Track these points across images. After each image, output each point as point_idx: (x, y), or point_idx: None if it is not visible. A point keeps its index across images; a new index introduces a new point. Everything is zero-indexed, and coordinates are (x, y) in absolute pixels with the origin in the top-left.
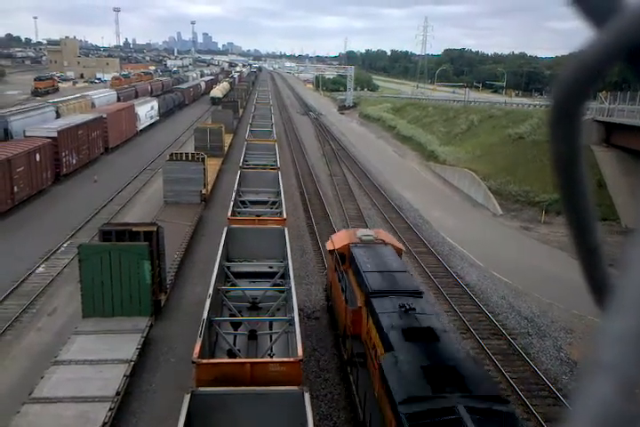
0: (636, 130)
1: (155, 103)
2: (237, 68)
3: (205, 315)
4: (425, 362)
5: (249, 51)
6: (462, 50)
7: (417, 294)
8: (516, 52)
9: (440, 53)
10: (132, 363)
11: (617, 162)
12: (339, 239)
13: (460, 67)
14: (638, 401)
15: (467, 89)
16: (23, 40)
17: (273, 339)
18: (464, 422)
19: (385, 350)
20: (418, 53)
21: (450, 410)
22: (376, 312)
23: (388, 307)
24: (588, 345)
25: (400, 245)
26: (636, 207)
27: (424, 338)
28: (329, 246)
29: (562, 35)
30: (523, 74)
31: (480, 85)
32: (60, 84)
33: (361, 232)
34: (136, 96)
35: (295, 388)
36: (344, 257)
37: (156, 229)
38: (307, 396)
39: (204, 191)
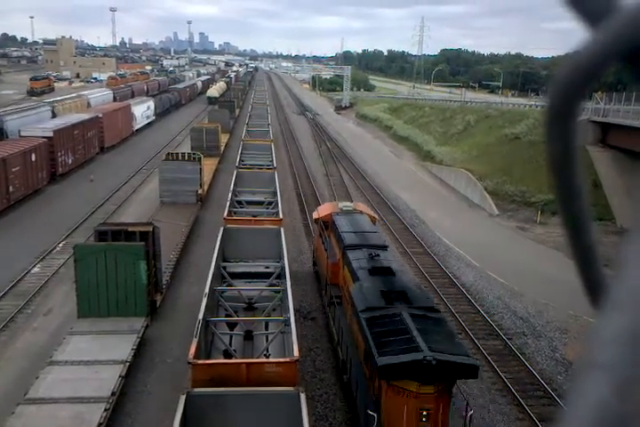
0: (632, 130)
1: (151, 103)
2: (234, 68)
3: (201, 315)
4: (382, 287)
5: (245, 51)
6: (459, 50)
7: (383, 247)
8: (513, 52)
9: (436, 53)
10: (128, 364)
11: (612, 162)
12: (323, 210)
13: (457, 67)
14: (633, 401)
15: (463, 89)
16: (19, 40)
17: (269, 339)
18: (406, 322)
19: (353, 282)
20: (414, 53)
21: (396, 315)
22: (349, 260)
23: (359, 256)
24: (584, 345)
25: (374, 215)
26: (632, 207)
27: (384, 273)
28: (315, 216)
29: (558, 35)
30: (519, 74)
31: (476, 86)
32: (55, 84)
33: (342, 204)
34: (132, 96)
35: (291, 388)
36: (327, 224)
37: (151, 230)
38: (302, 396)
39: (200, 191)
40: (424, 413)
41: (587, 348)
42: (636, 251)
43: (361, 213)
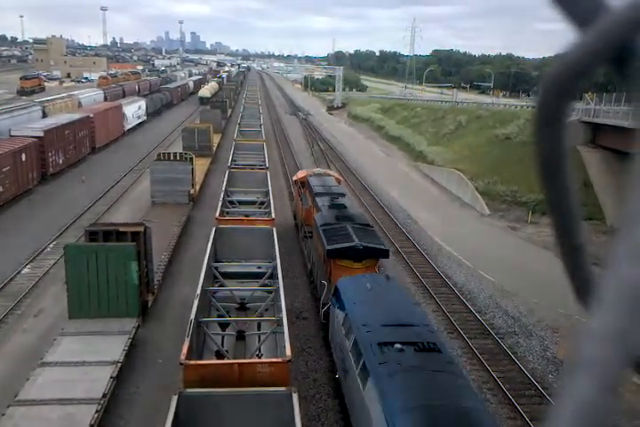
0: (622, 131)
1: (142, 103)
2: (226, 68)
3: (193, 316)
4: (337, 215)
5: (237, 50)
6: (450, 51)
7: (342, 194)
8: (504, 53)
9: (428, 54)
10: (119, 364)
11: (602, 162)
12: (301, 174)
13: (448, 67)
14: (618, 399)
15: (454, 90)
16: (9, 39)
17: (261, 339)
18: (348, 230)
19: (317, 212)
20: (406, 54)
21: (343, 227)
22: (317, 203)
23: (324, 200)
24: (573, 344)
25: (339, 177)
26: (621, 207)
27: (338, 207)
28: (294, 178)
29: (549, 36)
30: (510, 75)
31: (468, 86)
32: (46, 84)
33: (314, 169)
34: (123, 96)
35: (283, 388)
36: (303, 183)
37: (143, 230)
38: (295, 396)
39: (191, 191)
40: None
41: (575, 346)
42: (624, 249)
43: (328, 175)
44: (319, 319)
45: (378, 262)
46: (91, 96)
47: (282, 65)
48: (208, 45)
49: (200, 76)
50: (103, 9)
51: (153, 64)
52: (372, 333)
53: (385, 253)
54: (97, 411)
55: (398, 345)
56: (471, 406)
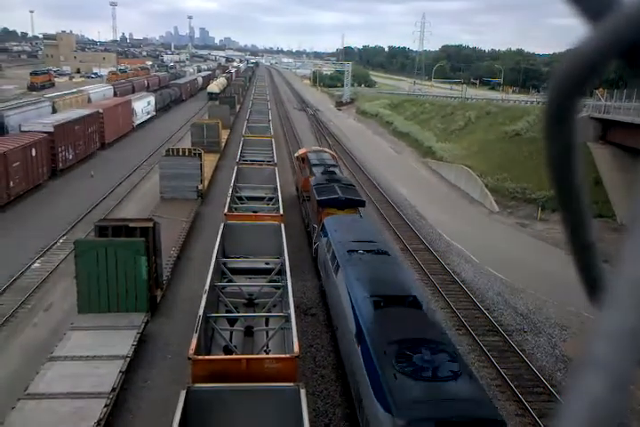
0: (632, 127)
1: (151, 98)
2: (234, 64)
3: (201, 311)
4: (328, 178)
5: (246, 46)
6: (459, 46)
7: (334, 165)
8: (514, 48)
9: (437, 49)
10: (128, 359)
11: (613, 159)
12: (302, 151)
13: (458, 63)
14: (627, 399)
15: (464, 85)
16: (19, 34)
17: (269, 335)
18: (335, 188)
19: (312, 176)
20: (415, 50)
21: (332, 186)
22: (313, 171)
23: (319, 169)
24: (583, 342)
25: (334, 153)
26: (631, 204)
27: (330, 173)
28: (296, 155)
29: (559, 32)
30: (520, 70)
31: (477, 82)
32: (56, 79)
33: (313, 147)
34: (133, 91)
35: (291, 384)
36: (303, 159)
37: (152, 225)
38: (302, 392)
39: (200, 187)
40: None
41: (585, 344)
42: (635, 247)
43: (324, 151)
44: (311, 254)
45: (357, 211)
46: (100, 92)
47: (290, 61)
48: (217, 41)
49: (209, 72)
50: (113, 4)
51: (162, 59)
52: (344, 245)
53: (362, 203)
54: (106, 405)
55: (361, 251)
56: (406, 285)
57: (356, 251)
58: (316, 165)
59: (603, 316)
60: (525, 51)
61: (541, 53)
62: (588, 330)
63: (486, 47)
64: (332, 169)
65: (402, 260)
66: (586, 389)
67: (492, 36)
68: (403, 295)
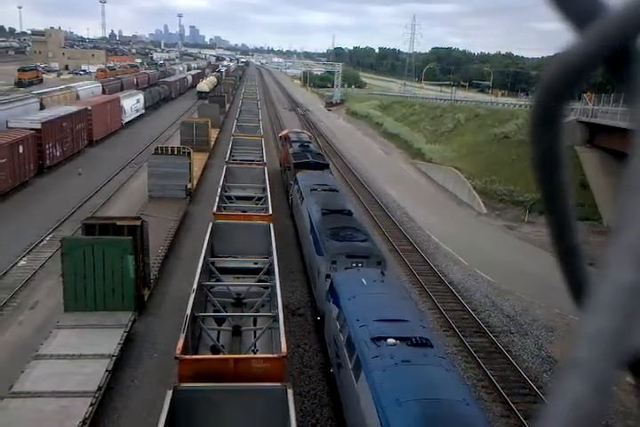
0: (619, 131)
1: (140, 96)
2: (224, 63)
3: (189, 310)
4: (302, 150)
5: (236, 45)
6: (449, 48)
7: (309, 142)
8: (503, 51)
9: (427, 52)
10: (115, 358)
11: (600, 162)
12: (284, 132)
13: (448, 65)
14: (611, 399)
15: (453, 88)
16: (7, 30)
17: (257, 335)
18: (307, 155)
19: (291, 148)
20: (405, 51)
21: (305, 155)
22: (292, 146)
23: (297, 144)
24: (569, 344)
25: (310, 134)
26: (616, 207)
27: (305, 146)
28: (280, 135)
29: (548, 36)
30: (509, 74)
31: (467, 84)
32: (44, 76)
33: (294, 129)
34: (121, 89)
35: (278, 384)
36: (286, 138)
37: (140, 224)
38: (290, 392)
39: (189, 186)
40: None
41: (571, 346)
42: (619, 251)
43: (303, 133)
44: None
45: (323, 170)
46: (89, 89)
47: (281, 60)
48: (207, 39)
49: (199, 71)
50: (102, 1)
51: (151, 57)
52: (308, 186)
53: (326, 166)
54: (91, 404)
55: (319, 189)
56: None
57: (316, 189)
58: (294, 141)
59: (586, 318)
60: (514, 54)
61: (530, 57)
62: (573, 332)
63: (475, 50)
64: (306, 144)
65: (347, 194)
66: (569, 390)
67: (481, 39)
68: (340, 209)
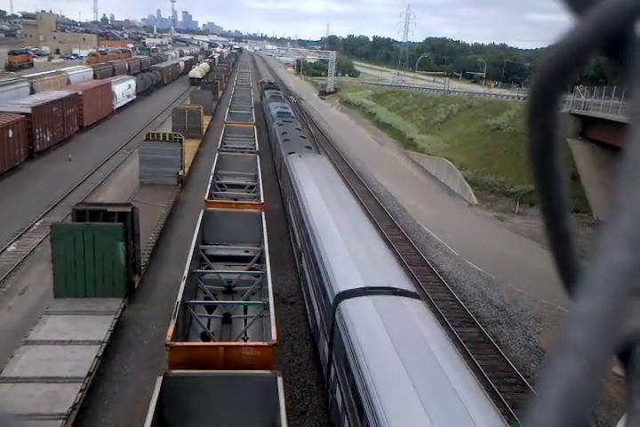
0: (611, 124)
1: (132, 82)
2: (218, 49)
3: (180, 297)
4: (279, 109)
5: (230, 31)
6: (444, 39)
7: (277, 87)
8: (497, 42)
9: (422, 41)
10: (105, 344)
11: (591, 155)
12: (261, 80)
13: (441, 56)
14: (602, 383)
15: (447, 78)
16: None
17: (247, 323)
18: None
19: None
20: (399, 40)
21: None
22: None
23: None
24: (557, 332)
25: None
26: (609, 196)
27: (283, 105)
28: (259, 81)
29: (542, 27)
30: (503, 65)
31: (460, 75)
32: (34, 60)
33: (268, 78)
34: (113, 74)
35: (268, 372)
36: (263, 83)
37: (130, 210)
38: (279, 380)
39: (180, 173)
40: None
41: (560, 331)
42: (612, 235)
43: (273, 81)
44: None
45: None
46: (80, 73)
47: (275, 48)
48: (200, 25)
49: (191, 57)
50: None
51: (144, 43)
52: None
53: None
54: (81, 390)
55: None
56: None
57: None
58: (268, 86)
59: (580, 300)
60: (508, 46)
61: (524, 48)
62: (564, 317)
63: (469, 41)
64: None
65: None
66: (561, 374)
67: (475, 29)
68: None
